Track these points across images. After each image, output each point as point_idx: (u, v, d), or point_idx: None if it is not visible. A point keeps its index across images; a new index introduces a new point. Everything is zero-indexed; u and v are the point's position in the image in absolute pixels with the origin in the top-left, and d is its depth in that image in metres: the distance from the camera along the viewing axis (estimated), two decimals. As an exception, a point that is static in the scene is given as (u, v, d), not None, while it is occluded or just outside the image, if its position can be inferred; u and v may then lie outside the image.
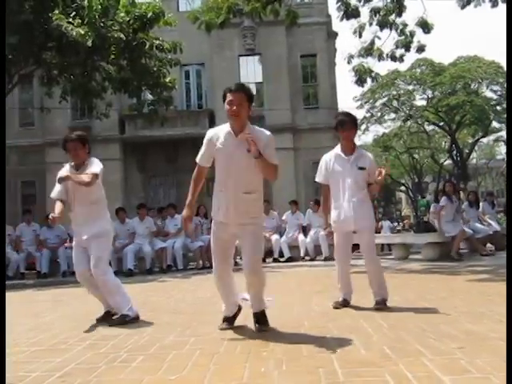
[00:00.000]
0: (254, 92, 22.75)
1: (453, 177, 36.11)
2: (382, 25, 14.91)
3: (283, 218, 13.46)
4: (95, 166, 4.97)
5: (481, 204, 12.49)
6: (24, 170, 21.49)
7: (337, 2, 14.45)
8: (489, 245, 11.85)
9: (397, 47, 15.42)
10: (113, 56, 12.70)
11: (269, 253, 12.86)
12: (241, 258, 4.37)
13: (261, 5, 11.54)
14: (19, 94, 21.18)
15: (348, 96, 55.39)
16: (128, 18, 12.33)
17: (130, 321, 4.81)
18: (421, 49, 15.55)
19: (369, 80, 16.59)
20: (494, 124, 36.50)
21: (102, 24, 11.42)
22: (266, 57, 21.97)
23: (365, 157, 5.06)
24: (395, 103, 36.56)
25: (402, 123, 38.22)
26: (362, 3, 14.70)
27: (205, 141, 4.09)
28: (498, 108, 34.38)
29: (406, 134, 39.14)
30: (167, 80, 14.14)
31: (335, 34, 24.06)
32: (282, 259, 12.52)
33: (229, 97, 3.92)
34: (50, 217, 4.92)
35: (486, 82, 34.58)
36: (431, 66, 34.58)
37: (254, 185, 4.05)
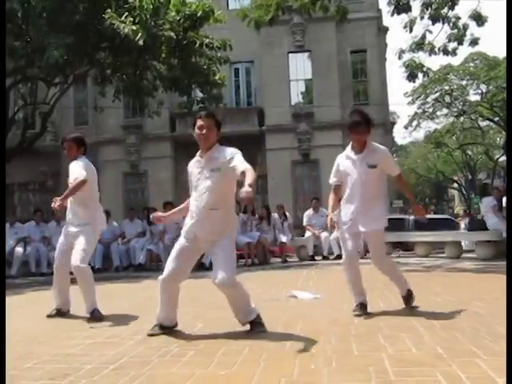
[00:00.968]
0: (304, 89, 22.70)
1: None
2: (434, 18, 14.59)
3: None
4: (76, 170, 5.28)
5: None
6: (78, 167, 22.03)
7: (387, -4, 14.25)
8: None
9: (449, 41, 15.07)
10: (164, 55, 12.90)
11: (318, 250, 12.84)
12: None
13: (310, 1, 11.47)
14: (74, 93, 21.75)
15: (399, 92, 54.45)
16: (178, 17, 12.47)
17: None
18: (474, 42, 15.18)
19: (420, 75, 16.29)
20: (553, 118, 35.17)
21: (153, 23, 11.60)
22: (316, 53, 21.84)
23: (376, 153, 4.78)
24: (447, 98, 35.69)
25: (455, 119, 37.28)
26: (413, -4, 14.45)
27: None
28: (557, 102, 33.10)
29: (458, 130, 38.14)
30: (217, 77, 14.26)
31: (386, 29, 23.73)
32: (331, 257, 12.43)
33: (199, 122, 4.15)
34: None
35: (543, 75, 33.36)
36: (485, 60, 33.61)
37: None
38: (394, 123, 26.91)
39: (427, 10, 14.69)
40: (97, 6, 11.11)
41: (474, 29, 15.00)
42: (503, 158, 40.40)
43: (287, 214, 13.48)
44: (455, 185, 51.42)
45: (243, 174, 3.79)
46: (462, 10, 15.87)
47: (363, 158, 4.72)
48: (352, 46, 22.11)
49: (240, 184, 4.01)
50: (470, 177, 45.62)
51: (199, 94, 15.77)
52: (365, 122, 4.71)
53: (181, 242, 4.21)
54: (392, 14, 14.28)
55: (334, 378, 2.83)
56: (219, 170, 4.05)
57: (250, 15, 11.83)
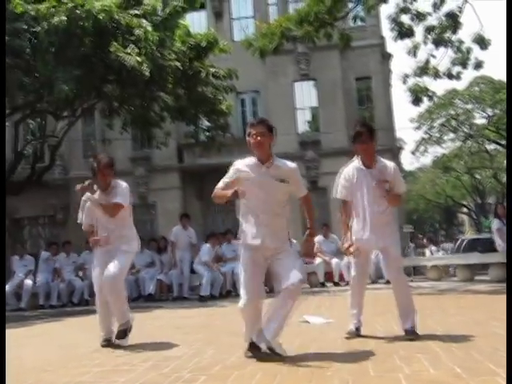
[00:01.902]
0: (310, 117, 22.81)
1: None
2: (438, 43, 14.69)
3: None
4: (122, 196, 5.11)
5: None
6: (87, 199, 22.09)
7: (390, 23, 14.39)
8: None
9: (453, 65, 15.15)
10: (170, 85, 13.02)
11: (329, 276, 12.71)
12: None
13: (314, 29, 11.59)
14: (82, 127, 21.89)
15: (405, 117, 54.57)
16: (184, 48, 12.65)
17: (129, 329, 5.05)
18: (478, 65, 15.21)
19: (425, 99, 16.31)
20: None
21: (158, 54, 11.74)
22: (321, 81, 21.98)
23: (386, 168, 4.67)
24: (454, 123, 35.74)
25: (462, 143, 37.26)
26: (415, 22, 14.59)
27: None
28: None
29: (466, 154, 38.09)
30: (223, 107, 14.36)
31: (389, 56, 23.90)
32: (342, 283, 12.29)
33: (251, 130, 4.09)
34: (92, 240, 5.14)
35: (549, 97, 33.39)
36: (490, 84, 33.73)
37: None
38: (401, 148, 26.91)
39: (430, 34, 14.82)
40: (103, 39, 11.26)
41: (477, 52, 15.11)
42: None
43: (294, 241, 13.31)
44: (465, 209, 51.12)
45: (304, 199, 4.23)
46: (465, 34, 15.95)
47: (376, 173, 4.62)
48: (356, 73, 22.25)
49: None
50: (479, 201, 45.36)
51: (206, 123, 15.86)
52: (367, 132, 4.61)
53: (246, 256, 4.07)
54: (395, 40, 14.41)
55: (351, 398, 2.76)
56: (284, 181, 4.04)
57: (255, 44, 11.97)
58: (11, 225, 19.54)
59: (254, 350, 3.94)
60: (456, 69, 15.19)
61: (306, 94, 22.54)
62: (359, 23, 20.60)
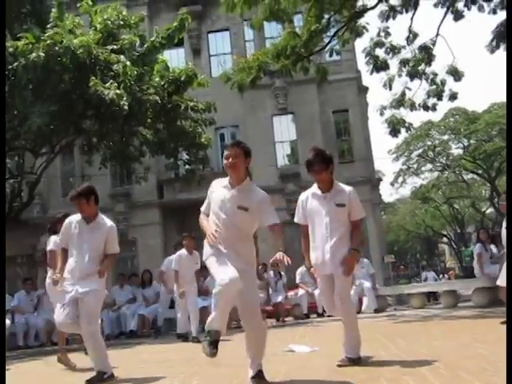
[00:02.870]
0: (289, 151, 22.99)
1: (496, 225, 35.21)
2: (412, 75, 15.03)
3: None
4: (116, 242, 5.12)
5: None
6: (66, 238, 21.82)
7: (365, 56, 14.71)
8: None
9: (428, 96, 15.46)
10: (149, 120, 13.06)
11: (312, 307, 12.63)
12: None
13: (290, 62, 11.76)
14: (61, 165, 21.77)
15: (383, 148, 55.39)
16: (163, 82, 12.75)
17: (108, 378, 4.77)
18: (453, 97, 15.53)
19: (403, 130, 16.60)
20: (536, 168, 35.69)
21: (137, 88, 11.81)
22: (299, 115, 22.22)
23: (344, 192, 4.64)
24: (431, 154, 36.32)
25: (440, 173, 37.83)
26: (390, 56, 14.94)
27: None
28: (539, 152, 33.72)
29: (444, 184, 38.64)
30: (203, 139, 14.41)
31: (366, 89, 24.31)
32: (325, 314, 12.19)
33: (226, 152, 4.06)
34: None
35: (522, 127, 34.10)
36: (465, 115, 34.48)
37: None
38: (380, 179, 27.15)
39: (405, 67, 15.16)
40: (82, 75, 11.28)
41: (451, 84, 15.46)
42: (490, 210, 40.72)
43: (282, 273, 13.23)
44: (445, 239, 51.49)
45: (272, 228, 3.90)
46: (439, 66, 16.36)
47: (331, 197, 4.59)
48: (334, 106, 22.54)
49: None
50: (458, 230, 45.77)
51: (186, 157, 15.86)
52: (320, 160, 4.55)
53: (210, 252, 3.91)
54: (371, 73, 14.71)
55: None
56: (246, 209, 3.94)
57: (233, 78, 12.10)
58: (-12, 265, 19.14)
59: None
60: (431, 100, 15.53)
61: (284, 128, 22.75)
62: (336, 57, 21.06)
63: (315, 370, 4.44)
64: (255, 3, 10.85)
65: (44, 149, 14.43)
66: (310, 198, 4.68)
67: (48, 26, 11.90)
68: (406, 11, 13.42)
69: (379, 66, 14.59)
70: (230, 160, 3.99)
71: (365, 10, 12.63)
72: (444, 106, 40.72)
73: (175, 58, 20.31)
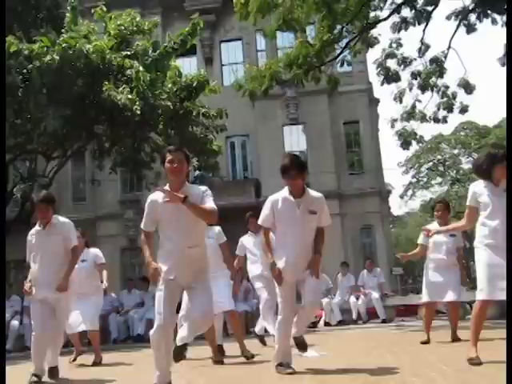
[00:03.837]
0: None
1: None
2: (423, 88, 15.06)
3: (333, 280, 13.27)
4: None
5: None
6: (76, 243, 21.93)
7: (377, 67, 14.77)
8: None
9: (439, 109, 15.48)
10: (161, 126, 13.14)
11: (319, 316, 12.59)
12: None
13: (302, 72, 11.83)
14: (72, 170, 21.98)
15: (393, 160, 55.18)
16: (175, 88, 12.85)
17: None
18: (464, 110, 15.53)
19: (414, 143, 16.63)
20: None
21: (150, 94, 11.91)
22: (310, 125, 22.28)
23: (316, 200, 4.61)
24: (441, 167, 36.25)
25: (450, 187, 37.73)
26: (401, 68, 14.98)
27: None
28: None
29: (453, 198, 38.49)
30: (213, 146, 14.46)
31: (377, 100, 24.37)
32: (332, 322, 12.19)
33: (169, 156, 4.05)
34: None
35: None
36: (476, 129, 34.42)
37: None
38: (389, 192, 27.13)
39: (416, 79, 15.20)
40: (95, 79, 11.43)
41: (463, 96, 15.42)
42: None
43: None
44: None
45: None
46: (451, 79, 16.38)
47: (304, 204, 4.53)
48: (345, 117, 22.60)
49: None
50: (468, 245, 45.44)
51: (196, 163, 15.90)
52: (296, 166, 4.52)
53: (161, 288, 3.95)
54: (382, 84, 14.76)
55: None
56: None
57: (245, 86, 12.18)
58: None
59: None
60: (442, 113, 15.54)
61: (294, 138, 22.81)
62: (347, 69, 21.18)
63: (324, 373, 4.45)
64: (268, 11, 10.93)
65: (56, 153, 14.54)
66: (280, 203, 4.60)
67: (62, 30, 12.06)
68: (419, 23, 13.46)
69: (390, 77, 14.65)
70: (175, 165, 3.99)
71: (377, 21, 12.73)
72: (454, 119, 40.84)
73: (188, 67, 20.45)
